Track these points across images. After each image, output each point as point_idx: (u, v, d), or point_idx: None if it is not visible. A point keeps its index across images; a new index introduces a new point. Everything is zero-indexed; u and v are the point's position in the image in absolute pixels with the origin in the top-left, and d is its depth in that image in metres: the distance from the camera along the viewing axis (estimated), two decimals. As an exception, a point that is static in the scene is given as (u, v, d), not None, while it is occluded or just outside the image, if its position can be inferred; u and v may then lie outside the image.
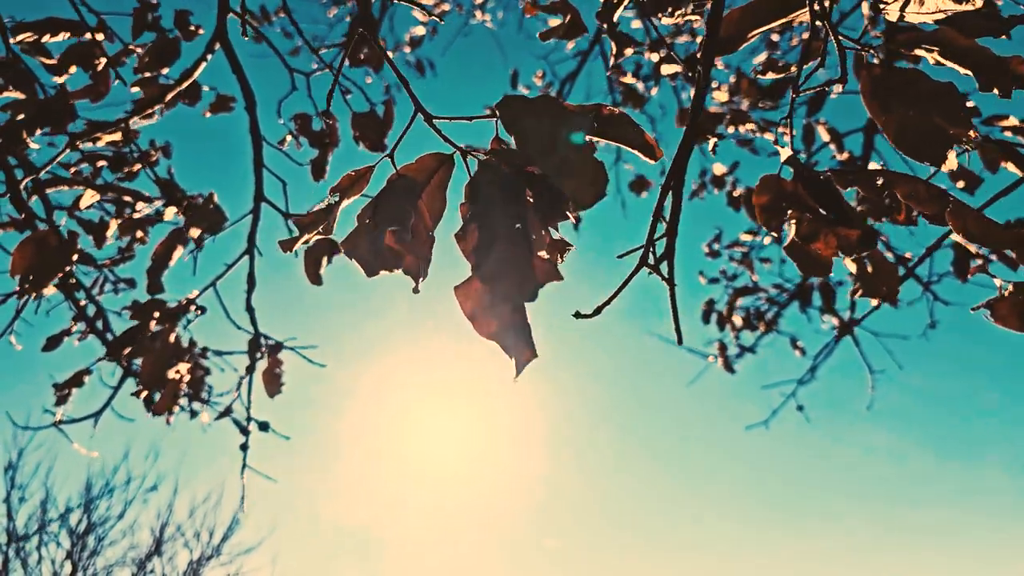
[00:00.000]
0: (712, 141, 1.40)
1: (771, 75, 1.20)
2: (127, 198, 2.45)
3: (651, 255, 0.99)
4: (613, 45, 1.80)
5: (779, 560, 21.65)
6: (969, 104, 1.47)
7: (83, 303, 2.74)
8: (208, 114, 2.69)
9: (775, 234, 1.03)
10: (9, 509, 10.37)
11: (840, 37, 0.98)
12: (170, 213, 2.53)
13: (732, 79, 3.50)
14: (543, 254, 0.92)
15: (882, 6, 0.99)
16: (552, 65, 8.47)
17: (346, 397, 13.11)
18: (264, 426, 2.87)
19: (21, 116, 1.97)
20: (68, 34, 2.08)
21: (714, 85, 3.58)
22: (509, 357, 0.88)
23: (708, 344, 4.96)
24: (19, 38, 2.03)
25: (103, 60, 2.12)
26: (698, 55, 1.10)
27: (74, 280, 2.67)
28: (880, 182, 0.94)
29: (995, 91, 0.91)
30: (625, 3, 1.51)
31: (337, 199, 1.03)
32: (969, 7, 0.91)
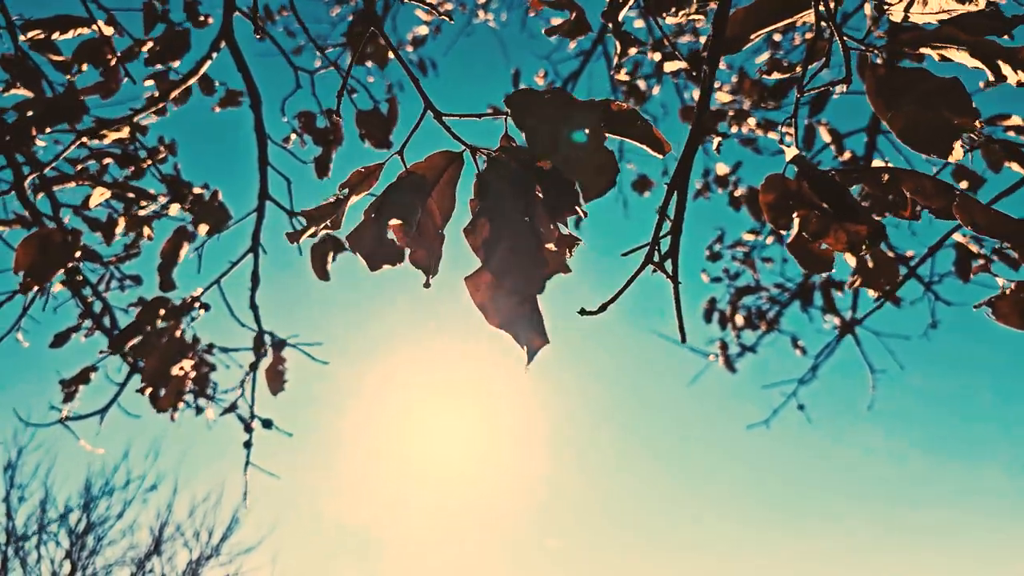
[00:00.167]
0: (716, 140, 1.42)
1: (776, 75, 1.20)
2: (131, 195, 2.46)
3: (656, 253, 0.99)
4: (617, 44, 1.81)
5: (779, 560, 21.65)
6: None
7: (90, 300, 2.75)
8: (217, 109, 2.70)
9: (783, 232, 1.04)
10: (8, 508, 10.38)
11: (845, 38, 0.99)
12: (175, 209, 2.54)
13: (734, 79, 3.51)
14: (551, 247, 0.93)
15: (886, 7, 1.00)
16: (554, 65, 8.49)
17: (349, 395, 13.12)
18: (268, 423, 2.88)
19: (30, 113, 1.98)
20: (78, 31, 2.09)
21: (717, 85, 3.59)
22: (520, 346, 0.89)
23: (709, 343, 4.97)
24: (28, 35, 2.04)
25: (113, 57, 2.13)
26: (703, 54, 1.10)
27: (80, 277, 2.69)
28: (886, 178, 0.95)
29: (1007, 80, 0.92)
30: (630, 2, 1.52)
31: (346, 194, 1.04)
32: (972, 7, 0.92)
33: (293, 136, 2.77)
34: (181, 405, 2.57)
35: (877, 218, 0.94)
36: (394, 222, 0.99)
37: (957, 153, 0.90)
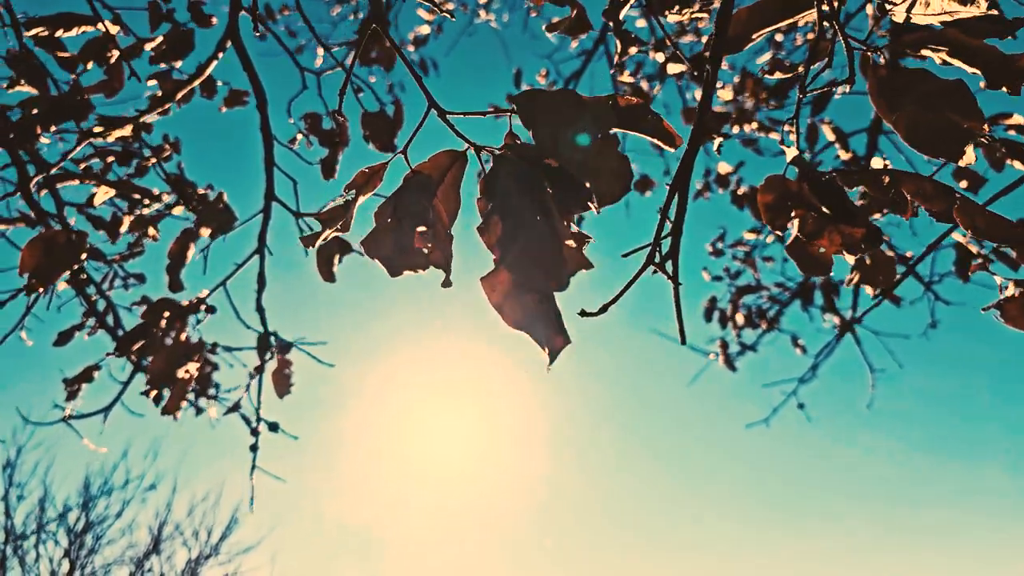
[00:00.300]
0: (717, 141, 1.42)
1: (778, 75, 1.21)
2: (136, 195, 2.47)
3: (657, 254, 0.99)
4: (618, 43, 1.81)
5: (779, 560, 21.65)
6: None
7: (94, 298, 2.76)
8: (223, 109, 2.71)
9: (780, 233, 1.04)
10: (7, 507, 10.38)
11: (849, 39, 1.00)
12: (180, 209, 2.55)
13: (736, 79, 3.52)
14: (571, 242, 0.91)
15: (888, 8, 1.00)
16: (556, 64, 8.49)
17: (350, 396, 13.12)
18: (274, 427, 2.87)
19: (34, 111, 1.98)
20: (82, 28, 2.09)
21: (718, 85, 3.60)
22: (540, 347, 0.87)
23: (710, 342, 4.98)
24: (33, 32, 2.04)
25: (117, 55, 2.13)
26: (706, 54, 1.11)
27: (84, 276, 2.69)
28: (886, 180, 0.96)
29: (1003, 89, 0.93)
30: (631, 1, 1.52)
31: (353, 195, 1.04)
32: (974, 9, 0.92)
33: (299, 137, 2.77)
34: (185, 404, 2.57)
35: (876, 218, 0.94)
36: (420, 229, 0.97)
37: (969, 156, 0.90)
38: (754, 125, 3.53)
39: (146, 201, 2.46)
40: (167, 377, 2.45)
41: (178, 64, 2.30)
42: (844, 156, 3.74)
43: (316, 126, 2.73)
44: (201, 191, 2.58)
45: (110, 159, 2.45)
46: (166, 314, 2.45)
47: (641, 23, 4.21)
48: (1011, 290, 1.06)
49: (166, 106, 2.17)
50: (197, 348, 2.53)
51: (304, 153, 3.41)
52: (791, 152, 1.03)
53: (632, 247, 1.00)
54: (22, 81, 2.07)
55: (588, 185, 0.90)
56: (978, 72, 0.95)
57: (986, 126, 0.91)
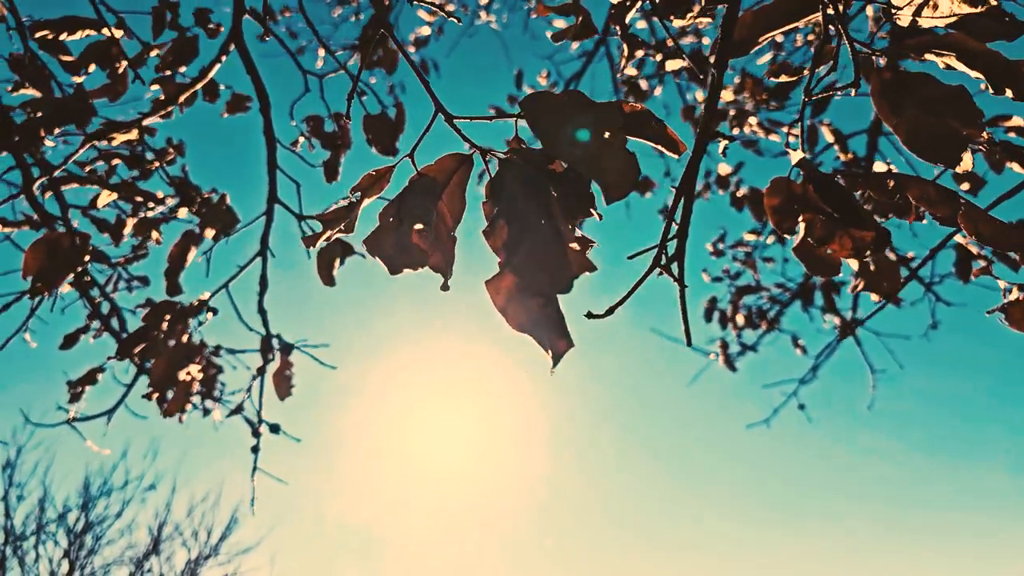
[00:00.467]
0: (723, 143, 1.42)
1: (784, 78, 1.21)
2: (140, 198, 2.47)
3: (663, 256, 1.00)
4: (625, 47, 1.82)
5: (779, 560, 21.67)
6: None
7: (97, 301, 2.76)
8: (225, 115, 2.71)
9: (787, 236, 1.04)
10: (7, 507, 10.38)
11: (855, 43, 1.00)
12: (183, 212, 2.55)
13: (737, 80, 3.52)
14: (575, 246, 0.91)
15: (894, 11, 1.00)
16: (557, 65, 8.48)
17: (351, 396, 13.12)
18: (275, 428, 2.88)
19: (39, 114, 1.99)
20: (86, 32, 2.09)
21: (719, 86, 3.60)
22: (544, 350, 0.88)
23: (710, 342, 4.98)
24: (37, 35, 2.05)
25: (122, 59, 2.14)
26: (711, 58, 1.11)
27: (89, 278, 2.69)
28: (891, 184, 0.96)
29: (1007, 94, 0.93)
30: (638, 5, 1.53)
31: (358, 197, 1.05)
32: (982, 10, 0.93)
33: (301, 140, 2.77)
34: (188, 407, 2.58)
35: (881, 222, 0.94)
36: (417, 226, 0.98)
37: (966, 163, 0.90)
38: (755, 125, 3.54)
39: (150, 204, 2.47)
40: (169, 379, 2.45)
41: (182, 69, 2.30)
42: (843, 158, 3.74)
43: (318, 129, 2.73)
44: (205, 194, 2.58)
45: (114, 162, 2.45)
46: (167, 317, 2.45)
47: (641, 24, 4.21)
48: (1015, 294, 1.07)
49: (168, 109, 2.17)
50: (199, 350, 2.53)
51: (306, 156, 3.41)
52: (796, 155, 1.04)
53: (632, 249, 1.00)
54: (27, 84, 2.08)
55: (595, 182, 0.91)
56: (981, 77, 0.96)
57: (986, 133, 0.91)
